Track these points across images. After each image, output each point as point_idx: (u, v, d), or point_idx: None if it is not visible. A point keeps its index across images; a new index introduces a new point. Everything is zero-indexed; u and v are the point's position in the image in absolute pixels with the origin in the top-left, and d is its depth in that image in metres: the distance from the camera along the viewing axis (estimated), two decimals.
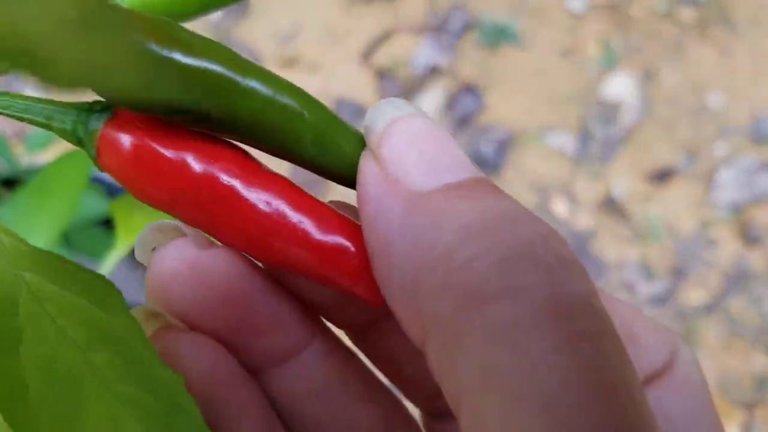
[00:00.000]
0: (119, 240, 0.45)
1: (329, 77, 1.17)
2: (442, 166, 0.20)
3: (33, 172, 0.72)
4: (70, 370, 0.19)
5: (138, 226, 0.41)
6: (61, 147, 0.88)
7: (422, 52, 1.23)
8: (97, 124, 0.20)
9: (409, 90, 1.19)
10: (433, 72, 1.21)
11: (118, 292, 0.20)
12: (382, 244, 0.20)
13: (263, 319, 0.24)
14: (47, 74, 0.10)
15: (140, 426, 0.20)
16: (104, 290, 0.20)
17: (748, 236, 1.12)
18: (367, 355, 0.27)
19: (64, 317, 0.20)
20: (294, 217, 0.21)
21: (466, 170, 0.20)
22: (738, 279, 1.10)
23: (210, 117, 0.20)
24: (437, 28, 1.24)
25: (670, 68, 1.23)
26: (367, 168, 0.21)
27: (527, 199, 1.14)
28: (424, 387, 0.27)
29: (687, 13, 1.26)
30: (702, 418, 0.23)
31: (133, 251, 0.72)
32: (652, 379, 0.23)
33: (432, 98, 1.20)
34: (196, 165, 0.21)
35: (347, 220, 0.22)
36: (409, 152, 0.20)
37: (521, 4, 1.27)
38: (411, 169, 0.20)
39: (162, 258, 0.22)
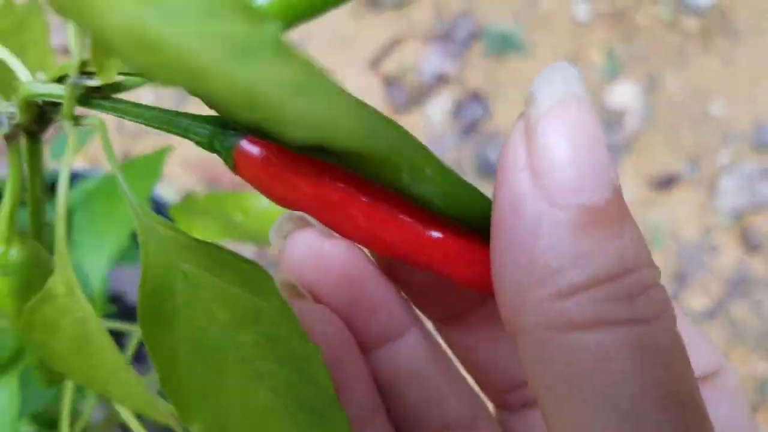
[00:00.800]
0: None
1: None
2: (589, 181, 0.20)
3: (56, 177, 0.73)
4: (216, 348, 0.22)
5: (196, 230, 0.43)
6: (84, 155, 0.89)
7: (430, 60, 1.24)
8: (234, 140, 0.24)
9: (417, 97, 1.21)
10: (441, 80, 1.23)
11: (269, 276, 0.22)
12: (505, 238, 0.21)
13: (373, 301, 0.27)
14: (277, 129, 0.13)
15: (271, 395, 0.22)
16: (255, 275, 0.23)
17: (750, 243, 1.14)
18: (450, 345, 0.30)
19: (215, 302, 0.22)
20: (407, 217, 0.24)
21: (609, 189, 0.20)
22: (739, 284, 1.12)
23: (321, 146, 0.23)
24: (444, 37, 1.26)
25: (674, 76, 1.24)
26: (515, 149, 0.21)
27: None
28: (500, 380, 0.29)
29: (690, 22, 1.28)
30: (744, 424, 0.26)
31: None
32: (702, 382, 0.26)
33: (439, 105, 1.21)
34: (319, 175, 0.24)
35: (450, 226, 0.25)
36: (565, 152, 0.20)
37: (527, 13, 1.28)
38: (561, 173, 0.20)
39: (293, 244, 0.26)
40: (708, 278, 1.12)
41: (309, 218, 0.25)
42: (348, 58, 1.23)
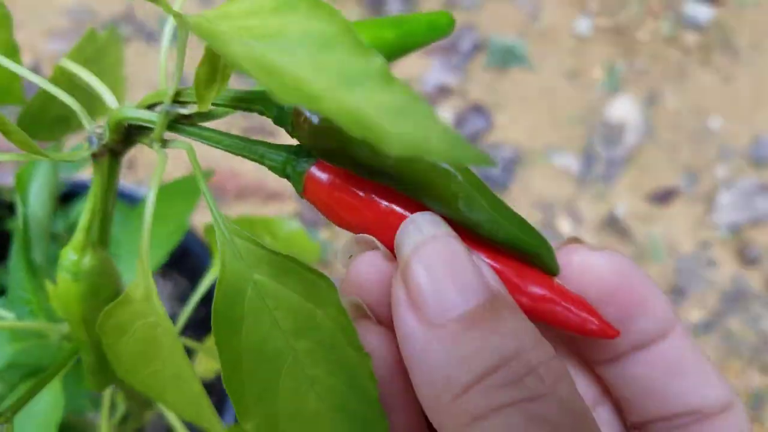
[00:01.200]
0: (216, 259, 0.49)
1: None
2: (453, 297, 0.25)
3: (63, 187, 0.74)
4: (275, 353, 0.24)
5: None
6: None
7: (433, 72, 1.25)
8: (305, 166, 0.26)
9: None
10: (443, 91, 1.24)
11: (333, 287, 0.24)
12: (410, 364, 0.25)
13: None
14: (378, 144, 0.14)
15: (319, 401, 0.24)
16: (319, 285, 0.24)
17: (747, 257, 1.15)
18: None
19: (278, 310, 0.24)
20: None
21: (475, 296, 0.25)
22: (736, 298, 1.13)
23: (389, 175, 0.26)
24: (448, 48, 1.27)
25: (673, 92, 1.26)
26: (397, 291, 0.26)
27: (533, 217, 1.16)
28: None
29: (691, 38, 1.29)
30: None
31: (161, 265, 0.74)
32: (709, 418, 0.29)
33: (442, 117, 1.22)
34: (381, 202, 0.26)
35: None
36: (428, 283, 0.25)
37: (529, 27, 1.30)
38: (428, 300, 0.25)
39: (359, 264, 0.27)
40: (705, 292, 1.13)
41: (376, 242, 0.27)
42: None
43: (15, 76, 0.30)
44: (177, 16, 0.20)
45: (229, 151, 0.26)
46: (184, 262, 0.83)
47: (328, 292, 0.24)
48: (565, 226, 1.16)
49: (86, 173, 0.86)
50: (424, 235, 0.25)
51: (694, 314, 1.12)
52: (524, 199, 1.17)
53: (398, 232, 0.26)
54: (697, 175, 1.20)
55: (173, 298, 0.87)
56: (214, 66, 0.23)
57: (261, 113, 0.26)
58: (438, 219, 0.26)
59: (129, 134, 0.26)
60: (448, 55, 1.26)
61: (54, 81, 0.29)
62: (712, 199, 1.19)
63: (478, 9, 1.31)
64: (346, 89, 0.16)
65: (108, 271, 0.25)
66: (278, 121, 0.25)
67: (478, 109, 1.23)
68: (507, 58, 1.27)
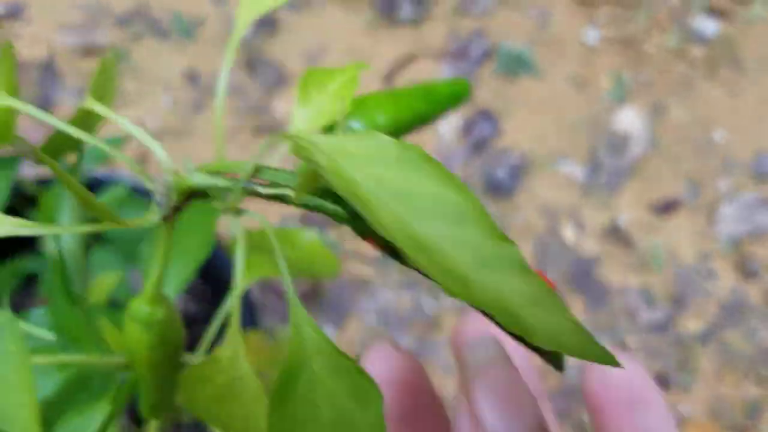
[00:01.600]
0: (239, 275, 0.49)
1: None
2: (509, 426, 0.27)
3: (84, 179, 0.75)
4: None
5: (253, 264, 0.45)
6: (115, 162, 0.90)
7: (442, 77, 1.25)
8: None
9: None
10: None
11: (378, 393, 0.25)
12: None
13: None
14: (519, 332, 0.15)
15: None
16: (366, 387, 0.25)
17: (746, 269, 1.16)
18: None
19: (322, 400, 0.25)
20: None
21: (525, 424, 0.27)
22: (734, 310, 1.14)
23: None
24: (457, 55, 1.27)
25: (679, 104, 1.27)
26: (461, 406, 0.29)
27: (537, 223, 1.17)
28: None
29: (697, 51, 1.30)
30: None
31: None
32: None
33: (450, 122, 1.23)
34: None
35: None
36: (489, 409, 0.27)
37: (538, 35, 1.30)
38: (488, 424, 0.27)
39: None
40: (704, 302, 1.14)
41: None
42: (362, 72, 1.23)
43: (11, 119, 0.29)
44: (310, 161, 0.20)
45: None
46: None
47: (373, 396, 0.25)
48: (568, 233, 1.17)
49: (101, 168, 0.86)
50: (489, 356, 0.28)
51: (693, 324, 1.13)
52: (529, 204, 1.18)
53: (468, 347, 0.29)
54: (699, 187, 1.21)
55: (181, 292, 0.87)
56: (312, 179, 0.23)
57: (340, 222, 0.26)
58: (499, 342, 0.28)
59: (193, 194, 0.26)
60: (458, 61, 1.27)
61: (76, 122, 0.29)
62: (714, 211, 1.20)
63: (488, 16, 1.31)
64: (488, 272, 0.17)
65: (174, 319, 0.26)
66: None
67: (485, 115, 1.23)
68: (515, 66, 1.27)
